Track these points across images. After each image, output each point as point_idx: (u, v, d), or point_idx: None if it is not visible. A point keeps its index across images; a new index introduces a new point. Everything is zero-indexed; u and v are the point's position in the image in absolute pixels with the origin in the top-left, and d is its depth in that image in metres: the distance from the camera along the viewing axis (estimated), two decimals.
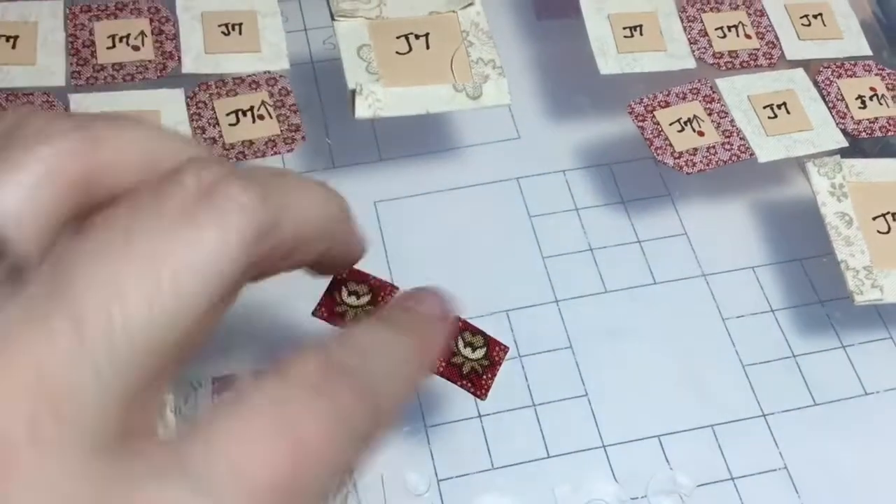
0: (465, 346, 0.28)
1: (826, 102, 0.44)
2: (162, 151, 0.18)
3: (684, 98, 0.43)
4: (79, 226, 0.16)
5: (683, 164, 0.41)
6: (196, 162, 0.17)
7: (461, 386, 0.28)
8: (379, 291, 0.27)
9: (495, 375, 0.28)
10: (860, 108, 0.44)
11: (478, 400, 0.29)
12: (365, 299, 0.27)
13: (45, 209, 0.16)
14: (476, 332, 0.29)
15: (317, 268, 0.24)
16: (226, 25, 0.43)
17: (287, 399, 0.17)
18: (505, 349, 0.28)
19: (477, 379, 0.28)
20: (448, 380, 0.29)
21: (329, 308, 0.27)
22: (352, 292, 0.27)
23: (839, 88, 0.45)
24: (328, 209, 0.21)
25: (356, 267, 0.27)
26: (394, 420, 0.20)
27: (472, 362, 0.28)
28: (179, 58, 0.42)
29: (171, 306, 0.15)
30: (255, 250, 0.17)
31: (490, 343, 0.28)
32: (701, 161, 0.42)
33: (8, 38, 0.41)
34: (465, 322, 0.29)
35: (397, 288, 0.27)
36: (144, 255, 0.15)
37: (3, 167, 0.15)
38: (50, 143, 0.16)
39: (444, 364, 0.28)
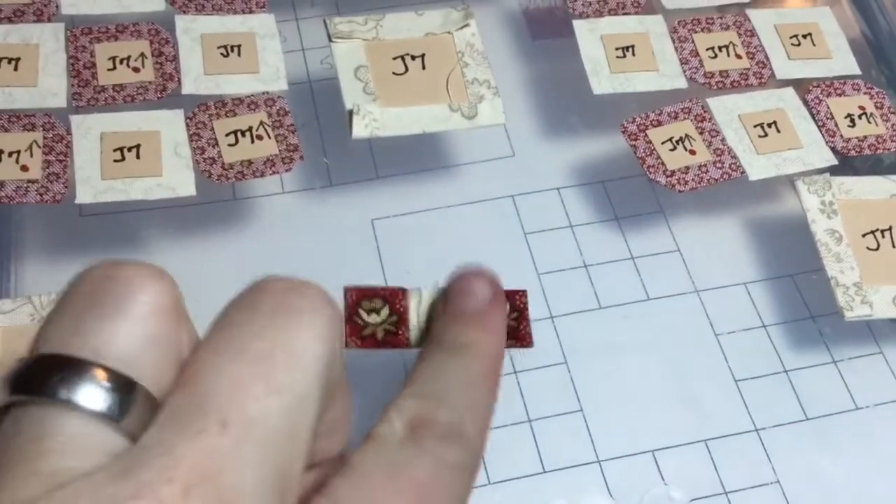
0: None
1: (815, 121, 0.45)
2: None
3: (676, 117, 0.44)
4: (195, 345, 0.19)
5: (675, 182, 0.42)
6: (269, 277, 0.20)
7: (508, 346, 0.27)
8: (393, 300, 0.27)
9: (528, 321, 0.27)
10: (849, 126, 0.45)
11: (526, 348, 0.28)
12: (385, 313, 0.26)
13: (154, 342, 0.18)
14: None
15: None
16: (225, 47, 0.43)
17: (391, 454, 0.20)
18: (523, 293, 0.28)
19: (514, 332, 0.27)
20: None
21: (356, 334, 0.26)
22: (370, 310, 0.26)
23: (828, 107, 0.45)
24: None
25: (359, 284, 0.27)
26: (484, 442, 0.22)
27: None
28: (179, 79, 0.42)
29: (292, 388, 0.18)
30: (336, 345, 0.19)
31: (509, 295, 0.27)
32: (693, 179, 0.42)
33: (10, 61, 0.42)
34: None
35: (406, 290, 0.27)
36: (258, 354, 0.18)
37: (112, 317, 0.18)
38: (144, 289, 0.19)
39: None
